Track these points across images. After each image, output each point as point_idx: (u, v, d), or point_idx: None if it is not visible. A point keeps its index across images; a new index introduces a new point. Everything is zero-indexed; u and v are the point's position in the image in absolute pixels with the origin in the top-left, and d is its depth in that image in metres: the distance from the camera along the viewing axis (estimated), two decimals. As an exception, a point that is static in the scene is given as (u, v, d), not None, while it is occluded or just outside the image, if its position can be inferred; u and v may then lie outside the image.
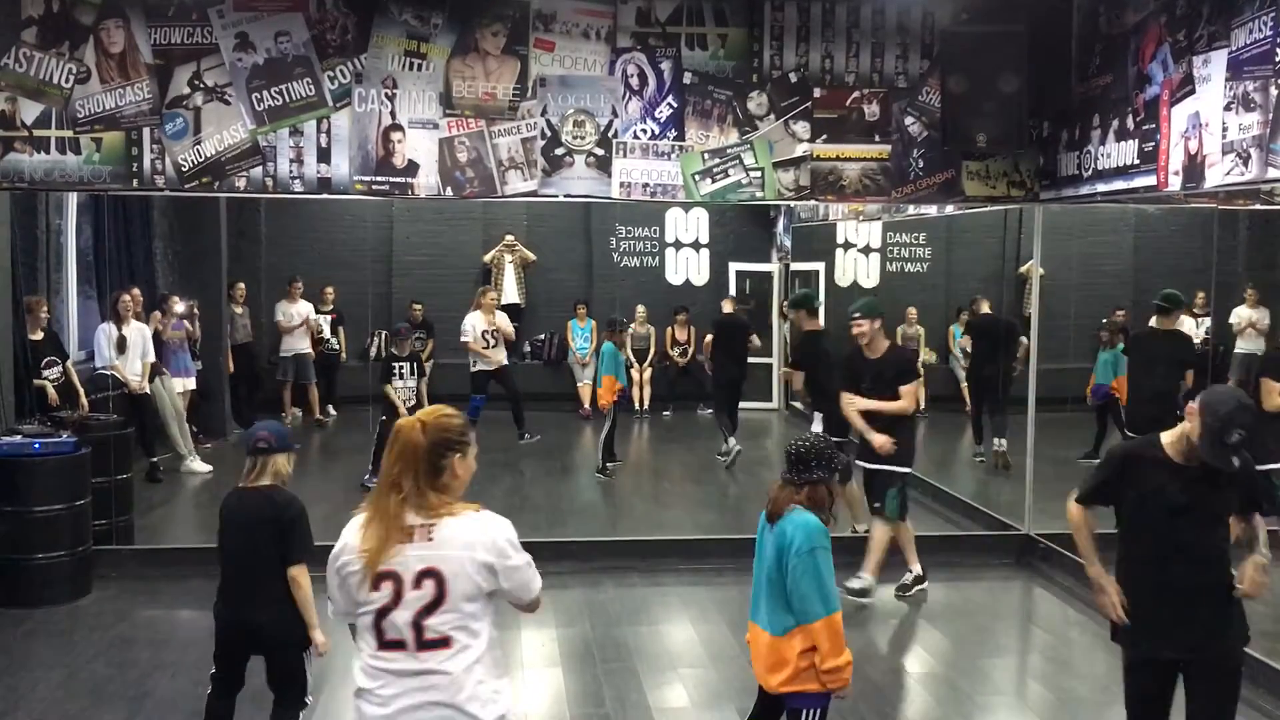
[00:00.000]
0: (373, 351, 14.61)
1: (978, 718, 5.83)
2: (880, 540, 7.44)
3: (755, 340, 13.48)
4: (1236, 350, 12.71)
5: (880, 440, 7.28)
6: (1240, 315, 12.60)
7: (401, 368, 10.11)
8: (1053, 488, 9.32)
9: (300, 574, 4.52)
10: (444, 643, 3.00)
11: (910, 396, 7.45)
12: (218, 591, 4.72)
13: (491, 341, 12.05)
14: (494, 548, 3.05)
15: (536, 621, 6.32)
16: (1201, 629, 4.04)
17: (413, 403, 10.03)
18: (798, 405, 15.16)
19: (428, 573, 2.98)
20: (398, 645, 3.00)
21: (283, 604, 4.52)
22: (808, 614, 3.94)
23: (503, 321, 12.26)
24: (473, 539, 3.03)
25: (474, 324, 12.13)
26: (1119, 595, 4.23)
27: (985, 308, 13.08)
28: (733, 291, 15.75)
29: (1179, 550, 4.05)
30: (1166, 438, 4.08)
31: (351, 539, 3.06)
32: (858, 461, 7.61)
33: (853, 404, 7.48)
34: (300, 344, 13.43)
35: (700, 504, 10.42)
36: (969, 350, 12.81)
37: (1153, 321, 9.55)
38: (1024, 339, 12.68)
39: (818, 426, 8.42)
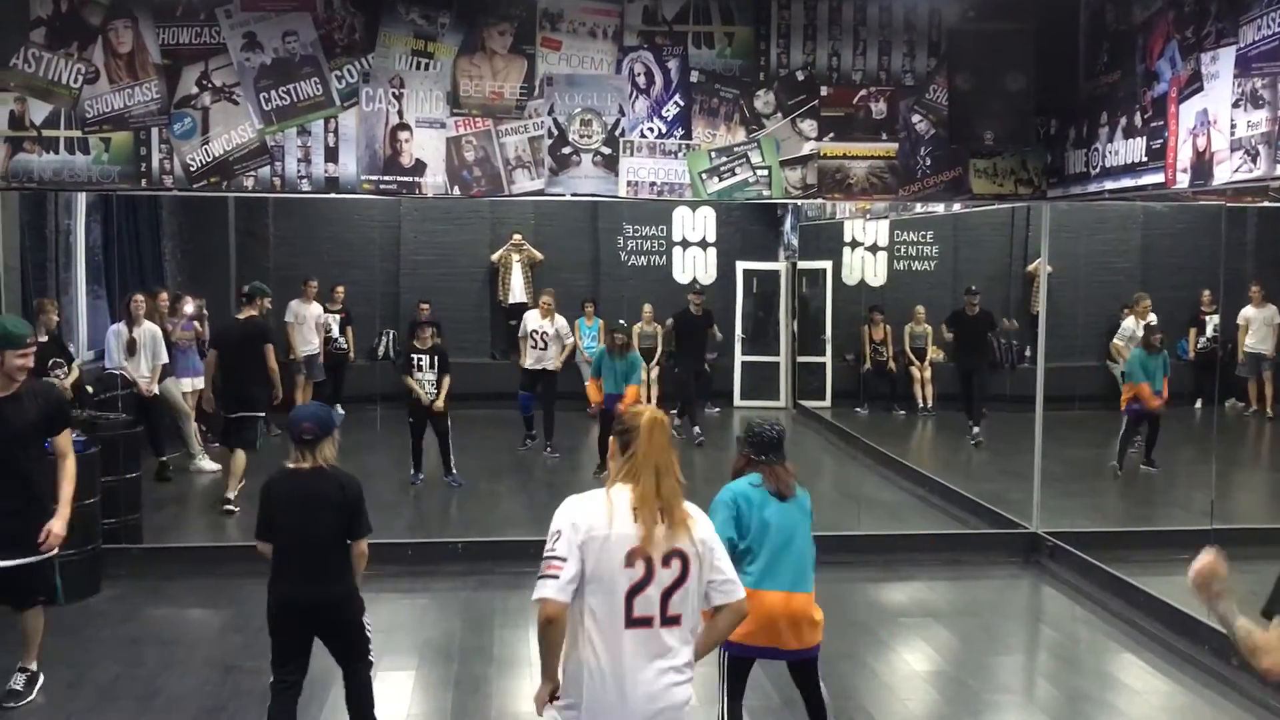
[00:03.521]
0: (380, 350, 14.61)
1: (986, 716, 5.82)
2: None
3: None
4: (1245, 349, 12.68)
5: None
6: (1246, 315, 12.58)
7: (420, 359, 10.20)
8: (1060, 486, 9.34)
9: (366, 547, 4.80)
10: (676, 620, 3.26)
11: (67, 449, 5.59)
12: (279, 573, 4.70)
13: (540, 343, 12.09)
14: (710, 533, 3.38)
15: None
16: None
17: (433, 396, 10.12)
18: (805, 404, 15.19)
19: (675, 553, 3.24)
20: (645, 622, 3.21)
21: (348, 578, 4.76)
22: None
23: (561, 327, 12.30)
24: (706, 523, 3.38)
25: (524, 322, 12.43)
26: None
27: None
28: (740, 291, 15.75)
29: None
30: None
31: (597, 518, 3.24)
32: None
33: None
34: (314, 342, 13.36)
35: (706, 502, 10.39)
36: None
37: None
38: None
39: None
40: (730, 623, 3.44)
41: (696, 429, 12.93)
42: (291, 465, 4.76)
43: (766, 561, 4.51)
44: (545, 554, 3.22)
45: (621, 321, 11.81)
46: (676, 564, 3.23)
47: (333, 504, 4.69)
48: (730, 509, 4.56)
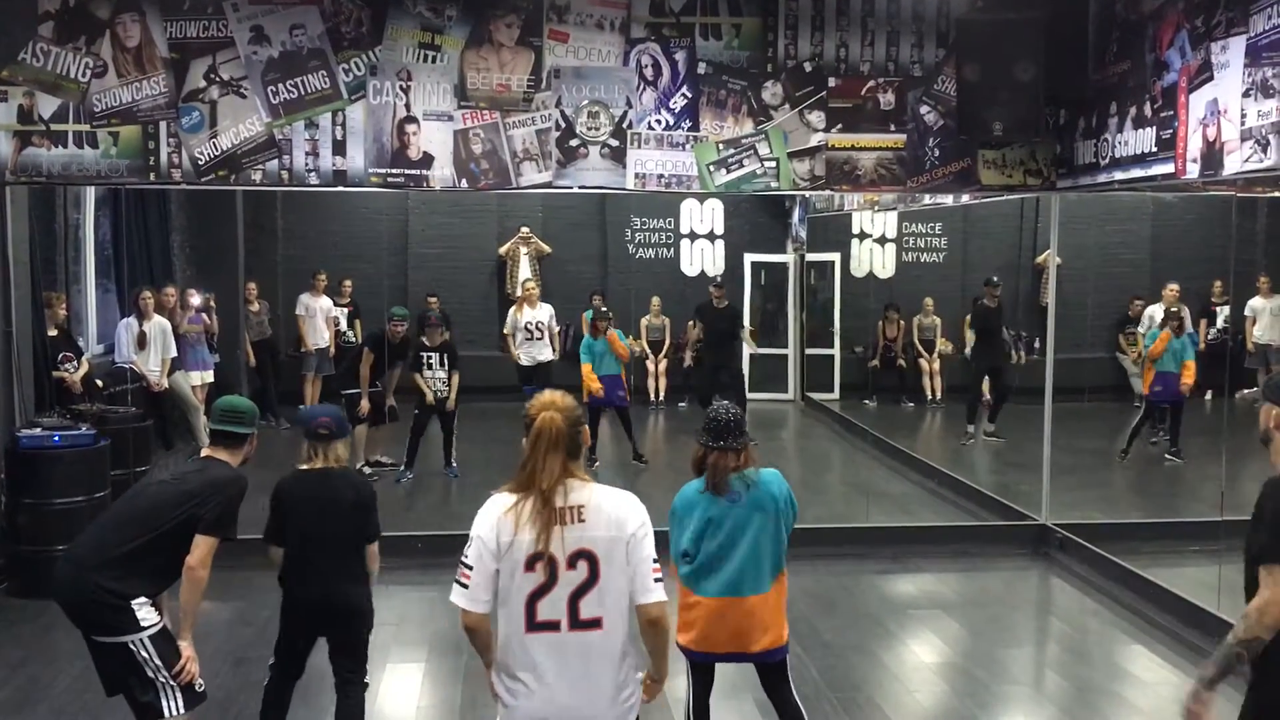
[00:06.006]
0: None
1: (995, 707, 5.81)
2: None
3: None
4: (1254, 340, 12.65)
5: None
6: (1254, 307, 12.56)
7: (430, 358, 10.08)
8: (1069, 478, 9.32)
9: (377, 549, 4.74)
10: (596, 624, 3.13)
11: None
12: (290, 574, 4.64)
13: (536, 334, 11.96)
14: (637, 522, 3.18)
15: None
16: None
17: (445, 394, 10.04)
18: (813, 396, 15.18)
19: (581, 554, 3.11)
20: (550, 626, 3.11)
21: (361, 581, 4.70)
22: (784, 552, 4.45)
23: (550, 314, 12.22)
24: (623, 515, 3.17)
25: (512, 318, 12.25)
26: None
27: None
28: (747, 284, 15.73)
29: None
30: None
31: (503, 524, 3.13)
32: None
33: None
34: (325, 335, 13.26)
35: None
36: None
37: None
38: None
39: None
40: (648, 630, 3.22)
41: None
42: (304, 467, 4.70)
43: (704, 565, 4.35)
44: (461, 559, 3.19)
45: (597, 298, 11.83)
46: (583, 565, 3.10)
47: (346, 506, 4.63)
48: (678, 525, 4.45)
